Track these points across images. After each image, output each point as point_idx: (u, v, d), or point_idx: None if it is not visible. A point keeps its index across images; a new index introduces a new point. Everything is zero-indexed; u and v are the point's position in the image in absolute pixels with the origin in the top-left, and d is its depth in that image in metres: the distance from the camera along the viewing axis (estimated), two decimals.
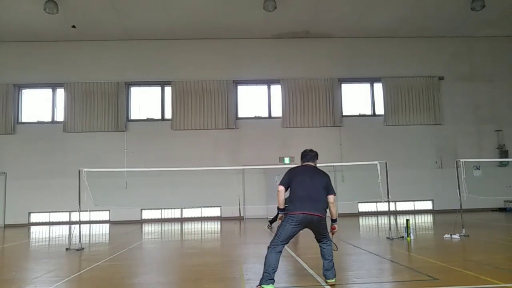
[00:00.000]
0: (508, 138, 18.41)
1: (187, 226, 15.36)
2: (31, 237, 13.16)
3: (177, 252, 9.26)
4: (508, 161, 17.60)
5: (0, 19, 15.93)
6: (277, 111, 18.32)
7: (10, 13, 15.45)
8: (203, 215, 17.68)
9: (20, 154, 17.32)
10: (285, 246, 5.20)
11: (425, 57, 18.67)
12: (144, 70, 17.92)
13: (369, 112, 18.70)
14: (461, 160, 10.25)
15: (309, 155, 5.62)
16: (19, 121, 17.91)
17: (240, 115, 18.30)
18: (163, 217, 17.65)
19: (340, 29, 17.73)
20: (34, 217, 17.41)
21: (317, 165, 5.70)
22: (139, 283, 5.91)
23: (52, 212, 17.40)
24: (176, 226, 15.47)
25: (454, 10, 16.32)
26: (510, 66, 18.89)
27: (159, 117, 18.20)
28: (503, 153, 18.20)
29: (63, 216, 17.33)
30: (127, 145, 17.48)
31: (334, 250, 5.38)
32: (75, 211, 9.70)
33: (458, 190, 10.10)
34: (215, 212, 17.67)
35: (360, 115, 18.56)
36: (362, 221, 15.39)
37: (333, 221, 5.39)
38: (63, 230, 14.94)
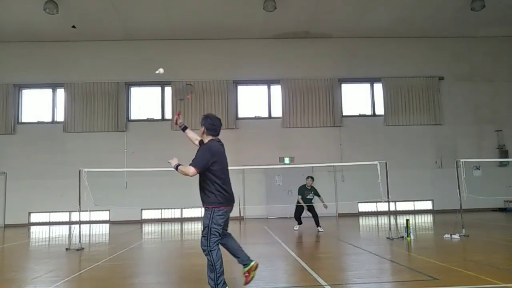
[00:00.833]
0: (508, 138, 18.41)
1: (187, 226, 15.36)
2: (31, 237, 13.16)
3: (177, 252, 9.26)
4: (508, 161, 17.60)
5: (0, 19, 15.94)
6: (277, 111, 18.33)
7: (10, 13, 15.45)
8: (203, 215, 17.64)
9: (20, 154, 17.32)
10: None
11: (425, 57, 18.67)
12: (144, 70, 17.85)
13: (369, 112, 18.70)
14: (461, 160, 10.25)
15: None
16: (19, 121, 17.91)
17: (240, 115, 18.30)
18: (163, 217, 17.65)
19: (340, 29, 17.74)
20: (34, 217, 17.41)
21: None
22: (139, 283, 5.91)
23: (52, 212, 17.39)
24: (176, 226, 15.47)
25: (454, 10, 16.32)
26: (510, 66, 18.90)
27: (159, 117, 18.21)
28: (503, 153, 18.20)
29: (63, 216, 17.33)
30: (127, 145, 17.48)
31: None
32: (75, 211, 9.71)
33: (458, 190, 10.09)
34: None
35: (360, 115, 18.56)
36: (362, 221, 15.38)
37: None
38: (63, 230, 14.93)
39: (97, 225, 16.65)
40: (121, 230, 14.41)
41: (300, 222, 12.24)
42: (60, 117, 17.89)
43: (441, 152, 18.15)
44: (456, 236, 9.28)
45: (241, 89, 18.58)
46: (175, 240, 11.51)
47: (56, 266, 7.32)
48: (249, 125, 18.09)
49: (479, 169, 17.72)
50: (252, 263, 4.92)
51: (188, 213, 17.68)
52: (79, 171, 9.68)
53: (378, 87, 18.63)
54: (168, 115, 18.05)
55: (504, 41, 18.88)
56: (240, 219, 17.36)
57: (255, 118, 18.30)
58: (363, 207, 17.94)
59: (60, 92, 18.03)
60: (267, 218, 17.36)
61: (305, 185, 12.08)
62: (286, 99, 18.11)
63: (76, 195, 9.61)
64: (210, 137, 4.93)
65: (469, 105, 18.56)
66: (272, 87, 18.57)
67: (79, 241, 9.37)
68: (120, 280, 6.08)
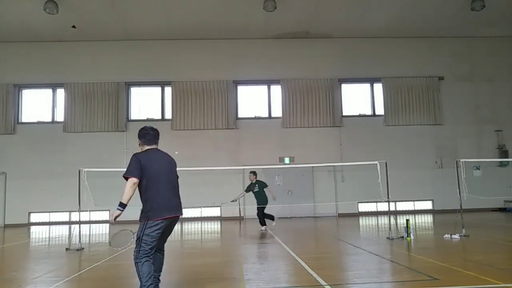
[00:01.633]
0: (508, 138, 18.41)
1: (187, 226, 15.36)
2: (31, 237, 13.16)
3: (177, 252, 9.25)
4: (508, 161, 17.61)
5: (0, 19, 15.94)
6: (277, 111, 18.33)
7: (10, 13, 15.45)
8: (203, 215, 17.68)
9: (20, 154, 17.32)
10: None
11: (425, 57, 18.67)
12: (144, 70, 17.92)
13: (369, 112, 18.70)
14: (461, 160, 10.25)
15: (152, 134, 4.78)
16: (19, 121, 17.91)
17: (240, 115, 18.30)
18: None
19: (340, 29, 17.74)
20: (34, 217, 17.41)
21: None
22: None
23: (52, 212, 17.39)
24: (176, 226, 15.43)
25: (454, 10, 16.32)
26: (510, 66, 18.90)
27: (159, 117, 18.21)
28: (503, 153, 18.20)
29: (63, 216, 17.33)
30: (127, 145, 17.46)
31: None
32: (75, 211, 9.70)
33: (458, 190, 10.09)
34: (215, 212, 17.68)
35: (360, 115, 18.56)
36: (362, 221, 15.38)
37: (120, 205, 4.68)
38: (63, 230, 14.93)
39: (97, 225, 16.64)
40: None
41: (271, 218, 12.51)
42: (60, 117, 17.88)
43: (441, 152, 18.15)
44: (456, 236, 9.28)
45: (241, 89, 18.58)
46: (175, 240, 11.50)
47: (56, 266, 7.32)
48: (249, 125, 18.09)
49: (479, 169, 17.73)
50: None
51: (188, 213, 17.66)
52: (79, 171, 9.69)
53: (378, 87, 18.63)
54: (168, 115, 18.05)
55: (504, 41, 18.89)
56: (240, 219, 17.37)
57: (255, 118, 18.30)
58: (363, 207, 17.94)
59: (60, 92, 18.03)
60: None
61: (251, 182, 12.67)
62: (286, 99, 18.11)
63: (76, 195, 9.61)
64: (146, 147, 4.74)
65: (469, 105, 18.56)
66: (272, 87, 18.57)
67: (79, 241, 9.37)
68: (120, 280, 6.08)
